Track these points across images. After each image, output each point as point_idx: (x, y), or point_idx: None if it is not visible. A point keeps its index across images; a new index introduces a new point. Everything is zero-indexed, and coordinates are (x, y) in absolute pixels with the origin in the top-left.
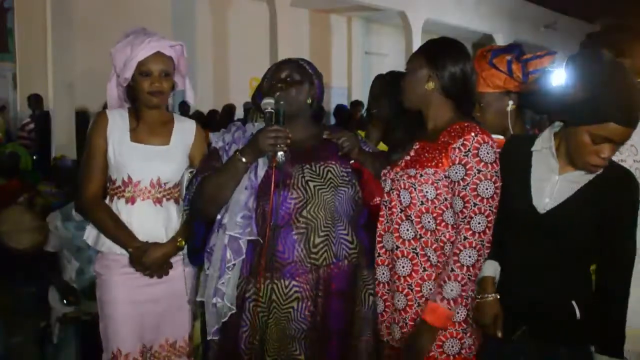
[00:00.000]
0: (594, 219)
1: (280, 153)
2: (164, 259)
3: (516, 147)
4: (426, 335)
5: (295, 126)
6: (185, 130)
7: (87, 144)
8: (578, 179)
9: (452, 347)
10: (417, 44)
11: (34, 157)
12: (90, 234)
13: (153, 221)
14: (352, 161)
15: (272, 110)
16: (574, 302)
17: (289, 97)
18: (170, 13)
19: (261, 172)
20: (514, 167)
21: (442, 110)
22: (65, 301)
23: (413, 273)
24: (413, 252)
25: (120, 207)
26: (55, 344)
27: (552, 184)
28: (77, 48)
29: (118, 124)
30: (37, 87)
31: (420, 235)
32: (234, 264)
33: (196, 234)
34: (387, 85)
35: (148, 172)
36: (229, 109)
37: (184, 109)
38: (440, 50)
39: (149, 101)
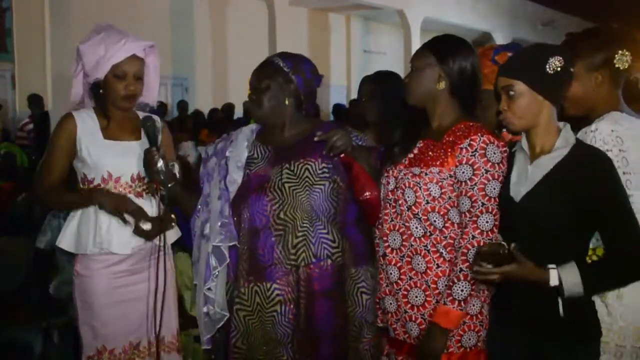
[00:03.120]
0: (564, 200)
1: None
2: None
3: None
4: (439, 337)
5: (274, 131)
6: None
7: (50, 144)
8: (546, 162)
9: (470, 339)
10: (415, 43)
11: (33, 158)
12: (64, 239)
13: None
14: (342, 155)
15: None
16: (559, 299)
17: (262, 109)
18: (168, 12)
19: (237, 178)
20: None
21: (448, 109)
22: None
23: (428, 270)
24: (425, 249)
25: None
26: (55, 344)
27: (526, 173)
28: (75, 47)
29: (88, 124)
30: (36, 87)
31: (430, 232)
32: (219, 271)
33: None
34: (377, 87)
35: (128, 167)
36: (228, 108)
37: (181, 107)
38: (450, 49)
39: (122, 104)
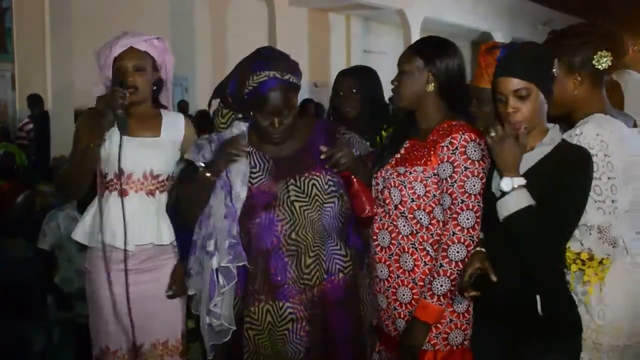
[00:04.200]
0: (539, 194)
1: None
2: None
3: None
4: (419, 331)
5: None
6: (174, 124)
7: (74, 137)
8: (529, 158)
9: (456, 338)
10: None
11: (33, 158)
12: (78, 230)
13: (145, 213)
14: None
15: None
16: (537, 297)
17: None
18: (168, 12)
19: (242, 194)
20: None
21: (436, 110)
22: (59, 306)
23: (415, 268)
24: (412, 247)
25: (112, 200)
26: (55, 344)
27: None
28: (76, 48)
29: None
30: (36, 87)
31: (416, 230)
32: (226, 290)
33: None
34: (356, 82)
35: (140, 164)
36: None
37: (181, 107)
38: (437, 51)
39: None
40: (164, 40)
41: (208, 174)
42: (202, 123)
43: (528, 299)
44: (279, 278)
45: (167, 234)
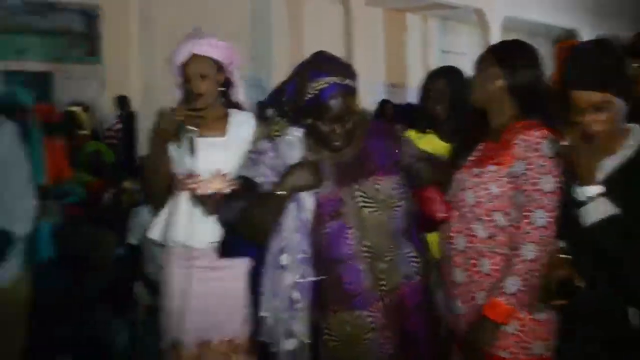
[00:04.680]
0: (623, 202)
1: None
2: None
3: None
4: (487, 330)
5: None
6: (242, 122)
7: (150, 140)
8: (608, 164)
9: (539, 348)
10: (495, 41)
11: (123, 156)
12: (154, 229)
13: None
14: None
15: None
16: (629, 310)
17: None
18: (247, 15)
19: (309, 205)
20: None
21: (508, 110)
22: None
23: (493, 272)
24: (489, 251)
25: (183, 200)
26: (140, 331)
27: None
28: (159, 51)
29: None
30: (123, 89)
31: (493, 233)
32: (302, 305)
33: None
34: (446, 83)
35: (208, 163)
36: None
37: (259, 107)
38: (510, 49)
39: (195, 104)
40: (227, 42)
41: (283, 193)
42: None
43: (619, 308)
44: (354, 287)
45: None
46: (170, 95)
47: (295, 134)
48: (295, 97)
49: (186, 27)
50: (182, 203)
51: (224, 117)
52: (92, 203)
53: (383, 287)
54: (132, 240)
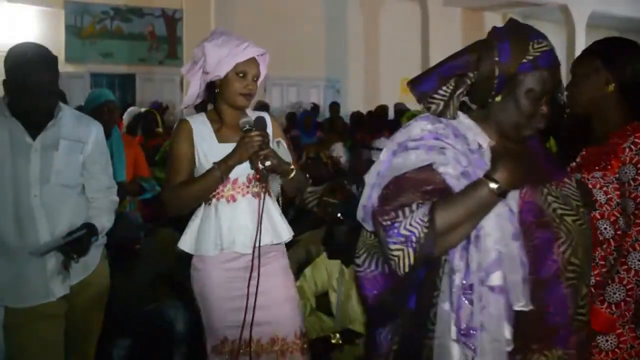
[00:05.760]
0: None
1: (267, 162)
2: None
3: None
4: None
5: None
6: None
7: (172, 151)
8: None
9: None
10: (580, 39)
11: None
12: (185, 240)
13: (256, 215)
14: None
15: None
16: None
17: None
18: (322, 17)
19: (515, 208)
20: None
21: (616, 113)
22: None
23: (598, 284)
24: (593, 261)
25: (221, 208)
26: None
27: None
28: None
29: (201, 130)
30: None
31: (599, 242)
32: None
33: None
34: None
35: (243, 168)
36: (382, 110)
37: (333, 108)
38: (618, 50)
39: (240, 102)
40: (265, 54)
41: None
42: (355, 123)
43: None
44: (559, 318)
45: (285, 232)
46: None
47: (465, 120)
48: (507, 61)
49: (262, 30)
50: (222, 211)
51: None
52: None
53: (582, 317)
54: None
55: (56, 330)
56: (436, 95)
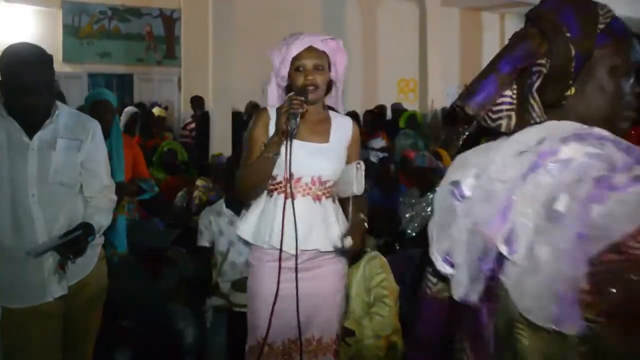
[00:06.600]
0: None
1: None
2: None
3: None
4: None
5: None
6: (343, 128)
7: (248, 138)
8: None
9: None
10: None
11: (196, 154)
12: (244, 228)
13: (311, 218)
14: None
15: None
16: None
17: None
18: (320, 15)
19: None
20: None
21: None
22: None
23: None
24: None
25: (279, 202)
26: (208, 328)
27: None
28: (234, 53)
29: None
30: (199, 90)
31: None
32: None
33: None
34: None
35: (309, 169)
36: (381, 109)
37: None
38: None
39: (305, 95)
40: (338, 41)
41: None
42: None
43: None
44: None
45: (334, 241)
46: (242, 96)
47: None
48: (580, 35)
49: (260, 30)
50: (278, 206)
51: (326, 121)
52: (166, 199)
53: None
54: (203, 242)
55: (54, 331)
56: (503, 101)
